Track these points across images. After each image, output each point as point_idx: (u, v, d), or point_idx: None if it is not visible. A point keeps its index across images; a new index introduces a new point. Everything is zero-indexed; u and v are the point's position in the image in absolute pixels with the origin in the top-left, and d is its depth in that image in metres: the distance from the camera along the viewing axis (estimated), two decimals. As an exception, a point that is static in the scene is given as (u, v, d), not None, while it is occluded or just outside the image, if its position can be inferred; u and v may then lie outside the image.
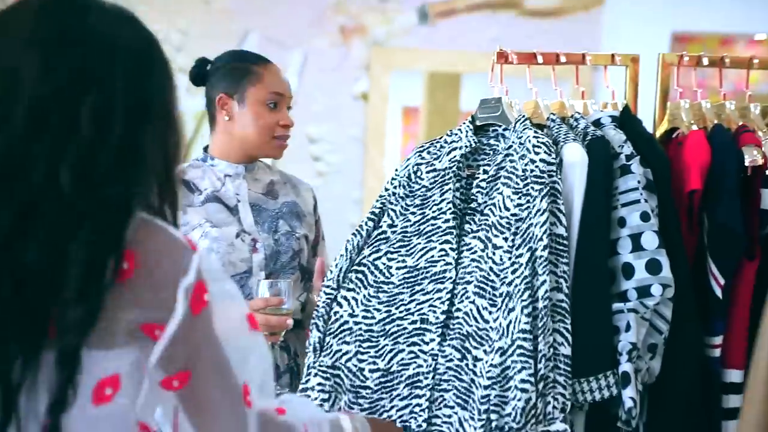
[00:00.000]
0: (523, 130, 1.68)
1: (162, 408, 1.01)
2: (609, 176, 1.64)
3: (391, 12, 4.96)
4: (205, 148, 2.06)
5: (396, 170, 1.76)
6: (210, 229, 1.94)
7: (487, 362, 1.58)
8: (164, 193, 1.03)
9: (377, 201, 1.75)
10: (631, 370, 1.56)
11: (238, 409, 1.00)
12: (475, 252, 1.65)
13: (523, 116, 1.71)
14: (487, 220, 1.65)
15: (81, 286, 0.93)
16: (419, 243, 1.71)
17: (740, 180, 1.66)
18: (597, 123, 1.72)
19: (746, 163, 1.66)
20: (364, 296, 1.70)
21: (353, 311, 1.70)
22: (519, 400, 1.55)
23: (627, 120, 1.73)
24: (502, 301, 1.60)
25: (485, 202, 1.68)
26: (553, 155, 1.63)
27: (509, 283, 1.59)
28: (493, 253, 1.62)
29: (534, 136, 1.65)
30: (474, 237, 1.67)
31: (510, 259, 1.60)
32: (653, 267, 1.58)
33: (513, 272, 1.60)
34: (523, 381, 1.56)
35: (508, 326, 1.58)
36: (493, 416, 1.57)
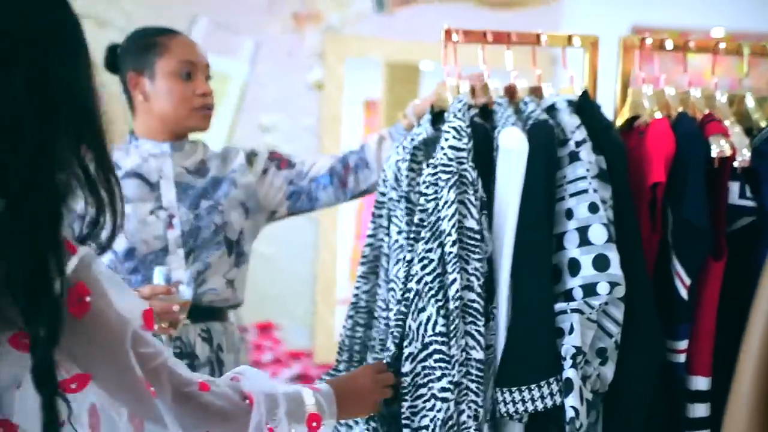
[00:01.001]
0: (449, 114, 1.56)
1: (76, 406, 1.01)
2: (551, 164, 1.50)
3: (347, -1, 4.81)
4: (131, 132, 1.94)
5: (383, 173, 1.65)
6: None
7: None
8: (97, 181, 0.98)
9: (379, 210, 1.64)
10: (575, 377, 1.42)
11: (145, 398, 1.02)
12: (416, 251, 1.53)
13: (459, 99, 1.57)
14: (413, 214, 1.53)
15: None
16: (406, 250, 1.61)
17: (706, 172, 1.54)
18: (551, 108, 1.59)
19: (713, 155, 1.53)
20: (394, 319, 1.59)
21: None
22: (439, 411, 1.41)
23: (585, 105, 1.60)
24: (411, 301, 1.46)
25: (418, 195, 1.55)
26: (464, 140, 1.48)
27: (419, 281, 1.45)
28: (410, 250, 1.49)
29: (449, 122, 1.52)
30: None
31: (420, 254, 1.46)
32: (601, 263, 1.44)
33: (422, 269, 1.46)
34: (444, 389, 1.42)
35: (418, 329, 1.44)
36: (404, 431, 1.45)
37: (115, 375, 1.00)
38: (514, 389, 1.44)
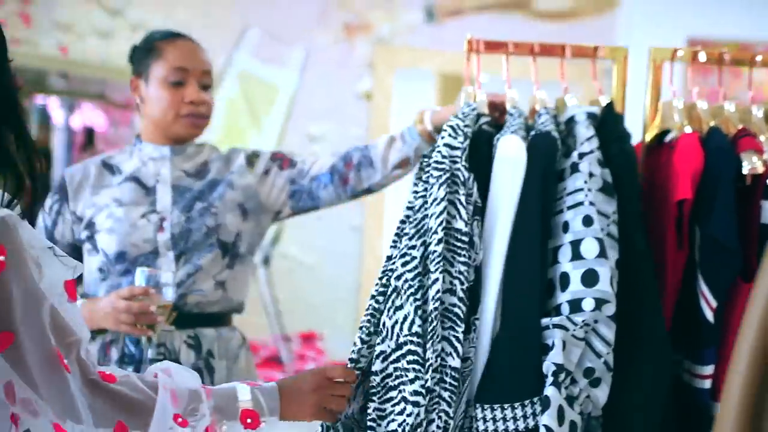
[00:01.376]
0: (452, 118, 1.52)
1: None
2: (549, 176, 1.45)
3: (397, 9, 4.80)
4: (138, 135, 1.95)
5: None
6: (115, 210, 1.84)
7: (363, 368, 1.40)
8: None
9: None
10: (554, 395, 1.34)
11: (59, 370, 1.03)
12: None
13: (468, 104, 1.54)
14: (404, 213, 1.49)
15: None
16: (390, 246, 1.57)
17: (737, 190, 1.47)
18: (571, 120, 1.54)
19: (744, 171, 1.47)
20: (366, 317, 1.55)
21: None
22: (409, 415, 1.34)
23: (607, 118, 1.54)
24: (389, 298, 1.40)
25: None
26: (460, 138, 1.43)
27: (398, 277, 1.40)
28: (392, 246, 1.44)
29: (448, 121, 1.48)
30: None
31: (402, 250, 1.41)
32: (589, 278, 1.38)
33: (403, 265, 1.40)
34: (415, 393, 1.35)
35: (393, 327, 1.38)
36: None
37: (30, 339, 1.01)
38: (495, 406, 1.38)
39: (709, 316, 1.45)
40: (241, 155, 1.94)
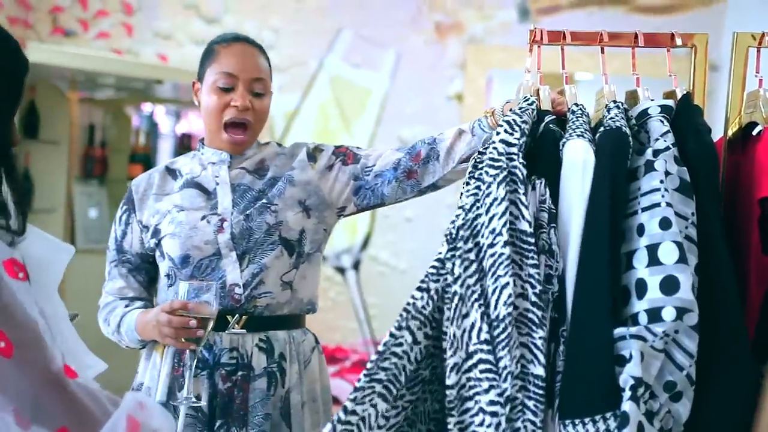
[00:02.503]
0: (509, 112, 1.44)
1: None
2: (619, 176, 1.34)
3: (490, 8, 4.71)
4: (202, 139, 1.93)
5: None
6: (177, 214, 1.82)
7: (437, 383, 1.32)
8: None
9: None
10: (633, 411, 1.24)
11: None
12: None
13: (526, 98, 1.45)
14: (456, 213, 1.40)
15: None
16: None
17: (830, 187, 1.33)
18: (644, 113, 1.43)
19: (839, 167, 1.32)
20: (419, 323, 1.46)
21: None
22: (489, 426, 1.27)
23: (683, 111, 1.42)
24: (455, 307, 1.31)
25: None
26: (516, 135, 1.35)
27: (461, 284, 1.31)
28: (451, 249, 1.34)
29: (504, 116, 1.40)
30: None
31: (460, 254, 1.32)
32: (669, 286, 1.27)
33: (465, 270, 1.32)
34: (491, 402, 1.28)
35: (462, 336, 1.30)
36: None
37: None
38: (571, 422, 1.29)
39: (798, 326, 1.32)
40: (302, 150, 1.88)
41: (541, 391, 1.30)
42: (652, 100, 1.45)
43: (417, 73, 4.68)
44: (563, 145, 1.38)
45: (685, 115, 1.41)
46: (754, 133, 1.49)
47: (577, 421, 1.28)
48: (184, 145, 4.68)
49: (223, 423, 1.75)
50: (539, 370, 1.30)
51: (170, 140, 5.69)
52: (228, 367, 1.77)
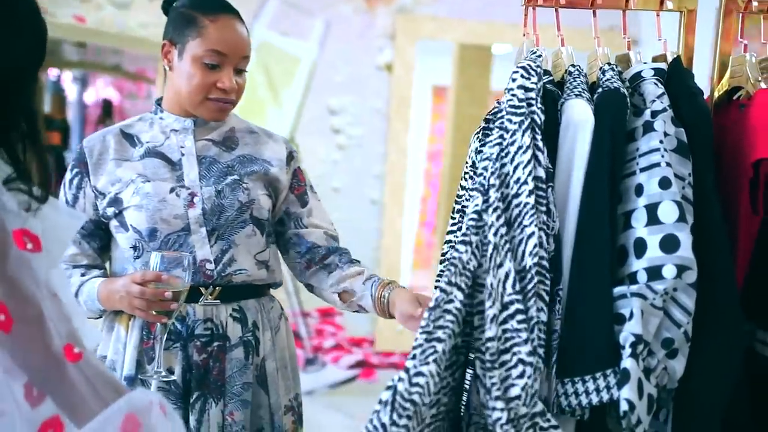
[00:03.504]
0: (521, 60, 1.43)
1: None
2: (618, 136, 1.35)
3: (419, -22, 4.68)
4: (158, 100, 1.84)
5: (465, 162, 1.53)
6: (142, 185, 1.74)
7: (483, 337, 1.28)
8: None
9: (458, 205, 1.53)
10: (633, 367, 1.26)
11: None
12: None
13: (533, 51, 1.44)
14: (481, 165, 1.39)
15: None
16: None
17: (817, 150, 1.37)
18: (637, 76, 1.44)
19: (828, 130, 1.37)
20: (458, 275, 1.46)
21: None
22: (530, 377, 1.25)
23: (675, 74, 1.44)
24: (490, 256, 1.29)
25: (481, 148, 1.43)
26: (533, 79, 1.34)
27: (495, 233, 1.29)
28: (471, 199, 1.32)
29: (518, 63, 1.39)
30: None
31: (492, 204, 1.30)
32: (669, 244, 1.29)
33: (497, 219, 1.29)
34: (531, 353, 1.26)
35: (498, 286, 1.28)
36: (498, 404, 1.26)
37: None
38: (570, 380, 1.30)
39: (787, 284, 1.36)
40: (283, 148, 1.84)
41: (543, 336, 1.29)
42: (645, 63, 1.46)
43: (346, 42, 4.62)
44: (561, 105, 1.38)
45: (677, 78, 1.43)
46: (735, 97, 1.53)
47: (577, 379, 1.29)
48: (103, 112, 4.49)
49: (200, 395, 1.70)
50: (544, 317, 1.30)
51: (78, 107, 5.44)
52: (203, 338, 1.72)
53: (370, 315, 4.71)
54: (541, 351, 1.29)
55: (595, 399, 1.27)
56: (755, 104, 1.41)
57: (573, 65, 1.46)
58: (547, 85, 1.42)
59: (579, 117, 1.34)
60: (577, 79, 1.41)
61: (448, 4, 4.67)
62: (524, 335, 1.26)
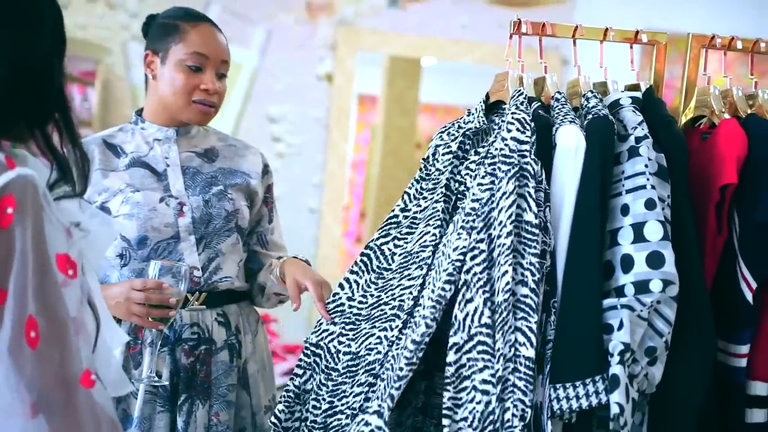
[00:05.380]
0: (511, 106, 1.52)
1: None
2: (607, 160, 1.47)
3: (360, -8, 4.77)
4: (139, 111, 1.89)
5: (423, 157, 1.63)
6: (131, 194, 1.78)
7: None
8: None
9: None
10: (621, 374, 1.37)
11: (19, 341, 0.97)
12: (446, 236, 1.51)
13: (519, 91, 1.55)
14: (464, 203, 1.50)
15: None
16: (421, 228, 1.58)
17: (775, 176, 1.51)
18: (615, 104, 1.56)
19: (786, 158, 1.51)
20: (366, 281, 1.59)
21: (352, 294, 1.61)
22: (479, 403, 1.38)
23: (649, 102, 1.57)
24: (459, 291, 1.43)
25: (472, 185, 1.53)
26: (528, 133, 1.45)
27: (467, 271, 1.42)
28: (458, 238, 1.45)
29: (512, 113, 1.49)
30: (452, 222, 1.53)
31: (468, 243, 1.43)
32: (655, 260, 1.41)
33: (471, 259, 1.43)
34: (484, 382, 1.39)
35: (464, 319, 1.41)
36: (445, 421, 1.40)
37: (13, 299, 0.97)
38: (562, 385, 1.41)
39: (749, 297, 1.50)
40: (259, 160, 1.92)
41: (530, 372, 1.40)
42: (622, 92, 1.58)
43: (287, 51, 4.66)
44: (556, 130, 1.48)
45: (651, 107, 1.55)
46: (697, 125, 1.66)
47: (568, 385, 1.39)
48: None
49: (187, 397, 1.75)
50: (530, 353, 1.40)
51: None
52: (190, 342, 1.77)
53: (305, 322, 4.75)
54: (518, 382, 1.39)
55: (585, 403, 1.38)
56: (721, 133, 1.54)
57: (558, 92, 1.56)
58: (539, 111, 1.52)
59: (572, 142, 1.45)
60: (565, 107, 1.52)
61: (389, 18, 4.77)
62: (481, 364, 1.40)
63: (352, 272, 1.62)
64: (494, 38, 4.73)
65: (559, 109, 1.52)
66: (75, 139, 1.09)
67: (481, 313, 1.40)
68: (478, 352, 1.40)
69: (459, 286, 1.43)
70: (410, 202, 1.60)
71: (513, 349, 1.40)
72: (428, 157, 1.60)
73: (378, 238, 1.61)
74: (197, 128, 1.87)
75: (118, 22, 4.36)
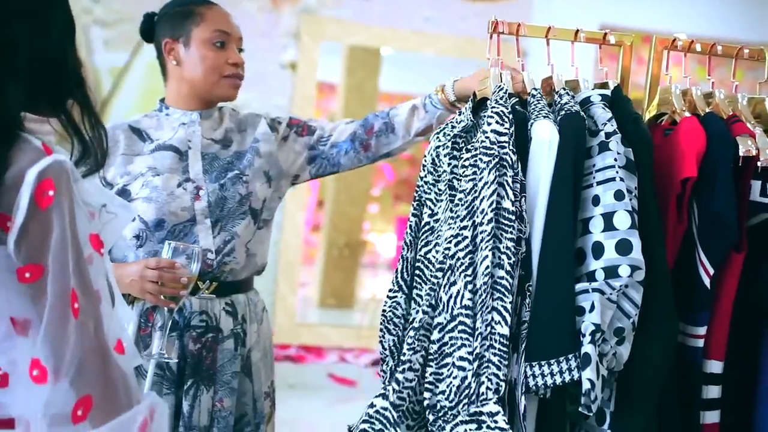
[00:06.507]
0: (492, 101, 1.62)
1: (21, 303, 1.08)
2: (579, 154, 1.57)
3: (324, -19, 4.82)
4: (162, 100, 1.98)
5: (424, 158, 1.70)
6: (152, 179, 1.87)
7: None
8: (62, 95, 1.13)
9: (415, 193, 1.71)
10: (592, 352, 1.49)
11: (65, 312, 1.06)
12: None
13: (500, 87, 1.64)
14: (457, 197, 1.60)
15: None
16: (444, 229, 1.67)
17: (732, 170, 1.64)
18: (586, 101, 1.67)
19: (741, 153, 1.63)
20: (426, 292, 1.64)
21: (422, 307, 1.65)
22: (455, 377, 1.50)
23: (617, 100, 1.68)
24: (443, 275, 1.54)
25: (461, 178, 1.63)
26: (506, 125, 1.55)
27: (452, 256, 1.53)
28: (448, 228, 1.56)
29: (492, 107, 1.58)
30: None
31: (454, 231, 1.54)
32: (623, 247, 1.52)
33: (456, 245, 1.54)
34: (461, 359, 1.51)
35: (448, 301, 1.53)
36: (426, 394, 1.52)
37: (53, 274, 1.06)
38: (537, 363, 1.51)
39: (707, 282, 1.62)
40: (263, 122, 1.99)
41: (504, 348, 1.51)
42: (592, 90, 1.69)
43: (250, 39, 4.66)
44: (531, 125, 1.58)
45: (619, 105, 1.66)
46: (659, 121, 1.78)
47: (543, 362, 1.50)
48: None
49: (193, 382, 1.82)
50: (504, 330, 1.50)
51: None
52: (198, 329, 1.84)
53: (269, 308, 4.79)
54: (493, 357, 1.50)
55: (558, 379, 1.49)
56: (682, 130, 1.66)
57: (534, 89, 1.66)
58: (516, 107, 1.62)
59: (546, 136, 1.55)
60: (540, 102, 1.62)
61: (353, 8, 4.83)
62: (459, 342, 1.51)
63: (412, 287, 1.66)
64: (456, 30, 4.83)
65: (534, 104, 1.62)
66: (94, 115, 1.16)
67: (462, 296, 1.51)
68: (459, 332, 1.51)
69: (445, 270, 1.53)
70: (435, 206, 1.68)
71: (489, 328, 1.50)
72: (433, 159, 1.68)
73: (421, 248, 1.67)
74: (216, 110, 1.95)
75: (81, 6, 4.34)
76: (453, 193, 1.64)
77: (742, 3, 5.26)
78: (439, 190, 1.68)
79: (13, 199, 1.06)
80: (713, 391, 1.66)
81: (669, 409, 1.64)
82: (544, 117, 1.57)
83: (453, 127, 1.70)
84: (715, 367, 1.66)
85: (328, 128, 2.00)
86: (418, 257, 1.70)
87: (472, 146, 1.61)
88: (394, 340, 1.66)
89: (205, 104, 1.93)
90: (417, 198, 1.73)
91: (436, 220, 1.67)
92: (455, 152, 1.65)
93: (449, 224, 1.56)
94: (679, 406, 1.64)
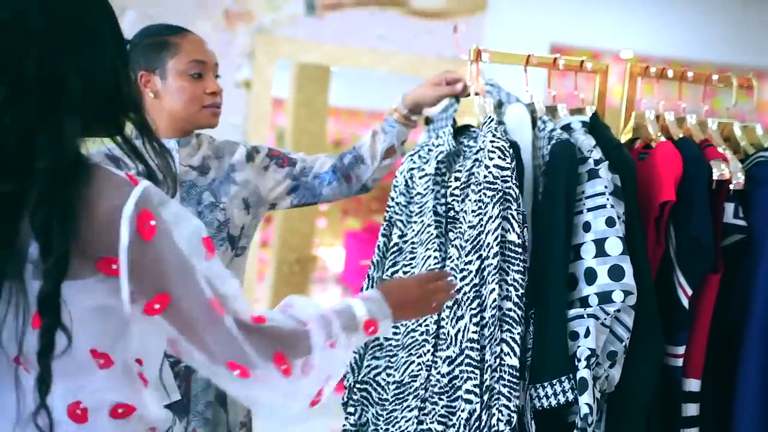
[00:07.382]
0: (486, 133, 1.64)
1: (159, 337, 1.11)
2: (572, 180, 1.61)
3: (278, 0, 4.81)
4: None
5: (395, 179, 1.72)
6: None
7: (438, 372, 1.56)
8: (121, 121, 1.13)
9: (386, 213, 1.72)
10: (589, 377, 1.53)
11: (216, 318, 1.09)
12: (453, 260, 1.62)
13: (490, 118, 1.67)
14: (461, 228, 1.62)
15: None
16: (421, 252, 1.69)
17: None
18: (567, 127, 1.70)
19: (714, 177, 1.68)
20: None
21: None
22: (463, 410, 1.52)
23: (596, 126, 1.72)
24: (451, 309, 1.57)
25: (461, 209, 1.64)
26: (508, 159, 1.59)
27: (458, 290, 1.56)
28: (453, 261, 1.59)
29: (491, 141, 1.61)
30: (453, 245, 1.64)
31: (459, 266, 1.57)
32: (616, 273, 1.56)
33: (462, 279, 1.56)
34: (467, 391, 1.53)
35: (456, 335, 1.55)
36: (439, 427, 1.54)
37: (187, 299, 1.07)
38: (541, 385, 1.55)
39: (685, 303, 1.66)
40: (241, 149, 1.97)
41: (515, 380, 1.53)
42: (571, 116, 1.72)
43: (204, 58, 4.66)
44: (504, 108, 1.68)
45: (599, 131, 1.70)
46: (634, 146, 1.82)
47: (545, 384, 1.54)
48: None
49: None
50: (513, 361, 1.53)
51: None
52: (171, 358, 1.79)
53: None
54: (503, 389, 1.53)
55: (553, 401, 1.53)
56: (658, 154, 1.70)
57: (489, 117, 1.71)
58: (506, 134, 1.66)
59: (522, 116, 1.63)
60: (501, 93, 1.71)
61: (306, 27, 4.83)
62: (466, 375, 1.54)
63: None
64: (409, 48, 4.86)
65: (495, 93, 1.69)
66: (156, 140, 1.15)
67: (467, 329, 1.54)
68: (466, 365, 1.54)
69: (452, 306, 1.56)
70: (405, 227, 1.69)
71: (498, 360, 1.53)
72: (406, 181, 1.69)
73: (388, 268, 1.70)
74: (194, 137, 1.94)
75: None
76: (438, 219, 1.65)
77: (684, 22, 5.43)
78: (411, 212, 1.70)
79: (111, 239, 1.03)
80: (692, 409, 1.70)
81: (653, 428, 1.68)
82: (517, 100, 1.65)
83: (429, 150, 1.72)
84: (693, 385, 1.70)
85: (309, 160, 2.01)
86: (384, 278, 1.72)
87: (464, 175, 1.63)
88: (355, 358, 1.71)
89: (184, 132, 1.92)
90: (387, 219, 1.75)
91: (405, 242, 1.70)
92: (438, 178, 1.66)
93: (453, 258, 1.58)
94: (663, 424, 1.68)
